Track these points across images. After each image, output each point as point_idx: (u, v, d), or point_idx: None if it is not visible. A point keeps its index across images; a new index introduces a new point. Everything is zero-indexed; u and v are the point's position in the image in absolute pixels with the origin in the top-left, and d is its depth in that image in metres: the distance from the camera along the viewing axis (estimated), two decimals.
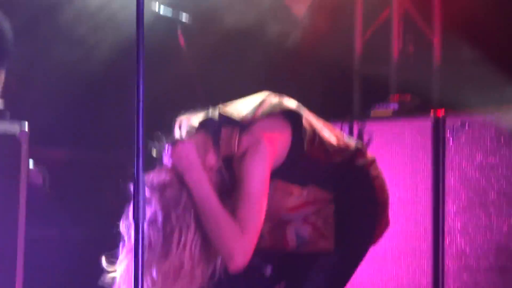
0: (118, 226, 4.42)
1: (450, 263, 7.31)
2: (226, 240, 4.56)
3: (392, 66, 9.24)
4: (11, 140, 6.90)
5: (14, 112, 6.99)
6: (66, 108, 8.43)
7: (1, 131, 6.81)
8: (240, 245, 4.56)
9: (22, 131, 6.92)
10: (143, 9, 4.04)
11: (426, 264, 7.44)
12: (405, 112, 7.93)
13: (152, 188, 4.58)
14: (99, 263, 4.41)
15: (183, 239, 4.60)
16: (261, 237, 4.72)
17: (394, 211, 7.16)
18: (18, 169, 6.91)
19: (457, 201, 7.31)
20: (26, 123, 6.93)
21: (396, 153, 7.72)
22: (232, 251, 4.55)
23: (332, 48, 9.19)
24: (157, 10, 7.59)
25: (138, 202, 4.05)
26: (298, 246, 4.89)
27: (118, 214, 4.50)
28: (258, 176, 4.64)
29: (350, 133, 7.96)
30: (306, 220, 4.87)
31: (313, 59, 9.26)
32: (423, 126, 7.52)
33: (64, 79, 8.43)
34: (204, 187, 4.58)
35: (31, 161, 7.07)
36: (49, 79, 8.47)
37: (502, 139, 7.05)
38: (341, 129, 7.92)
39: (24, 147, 6.94)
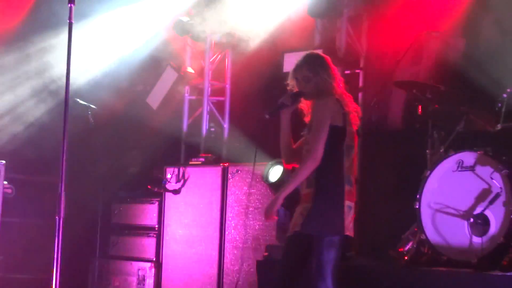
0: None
1: (228, 245, 7.86)
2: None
3: (202, 139, 9.43)
4: None
5: None
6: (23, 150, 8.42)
7: None
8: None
9: (1, 164, 7.39)
10: (68, 99, 4.70)
11: (215, 245, 7.91)
12: (207, 163, 8.42)
13: None
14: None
15: None
16: None
17: (199, 218, 7.99)
18: None
19: (231, 211, 7.91)
20: (3, 161, 7.41)
21: (202, 186, 8.18)
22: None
23: (172, 127, 9.47)
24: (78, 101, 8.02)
25: (60, 199, 4.54)
26: None
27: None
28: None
29: (178, 173, 8.27)
30: None
31: (161, 133, 9.33)
32: (217, 171, 8.08)
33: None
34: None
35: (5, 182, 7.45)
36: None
37: (257, 179, 7.61)
38: (173, 171, 8.29)
39: (2, 173, 7.40)
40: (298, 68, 5.51)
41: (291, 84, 5.53)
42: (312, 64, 5.46)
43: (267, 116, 5.40)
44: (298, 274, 5.29)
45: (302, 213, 5.27)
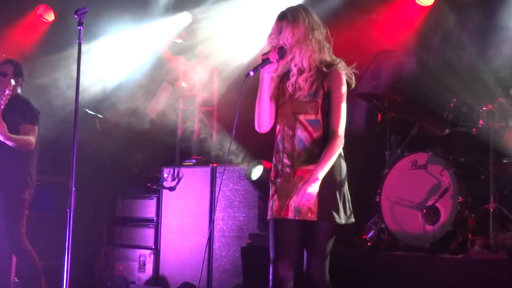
0: None
1: (216, 234, 7.67)
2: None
3: (194, 143, 9.31)
4: None
5: None
6: None
7: None
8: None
9: None
10: (78, 110, 4.62)
11: (206, 234, 7.70)
12: (199, 163, 8.22)
13: None
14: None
15: None
16: None
17: (192, 211, 7.80)
18: None
19: (219, 205, 7.69)
20: None
21: (194, 184, 8.00)
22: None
23: (168, 133, 9.30)
24: (88, 111, 7.96)
25: (71, 195, 4.46)
26: None
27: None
28: None
29: (173, 173, 8.12)
30: None
31: (159, 139, 9.14)
32: (206, 170, 7.91)
33: None
34: None
35: None
36: None
37: (241, 177, 7.47)
38: (169, 171, 8.11)
39: None
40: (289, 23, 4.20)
41: (272, 43, 4.24)
42: (304, 18, 4.23)
43: (251, 74, 4.15)
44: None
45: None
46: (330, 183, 4.07)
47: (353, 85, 4.22)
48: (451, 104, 6.88)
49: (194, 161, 8.44)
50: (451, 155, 6.62)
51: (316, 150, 4.11)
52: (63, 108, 8.03)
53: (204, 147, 9.06)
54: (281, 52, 4.21)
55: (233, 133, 4.37)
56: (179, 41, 9.28)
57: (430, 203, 6.45)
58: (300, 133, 4.16)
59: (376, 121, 7.45)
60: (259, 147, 7.10)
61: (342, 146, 4.11)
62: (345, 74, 4.19)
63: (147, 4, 8.90)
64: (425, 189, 6.53)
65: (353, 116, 8.44)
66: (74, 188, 4.44)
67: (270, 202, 4.22)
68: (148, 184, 8.31)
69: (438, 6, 7.86)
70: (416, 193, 6.57)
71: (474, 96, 6.80)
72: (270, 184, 4.25)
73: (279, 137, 4.25)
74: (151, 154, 9.14)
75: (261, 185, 7.12)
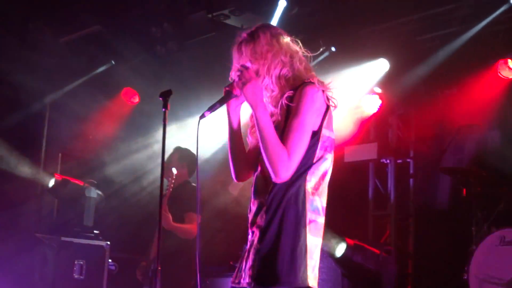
0: None
1: None
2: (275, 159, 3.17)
3: None
4: (101, 249, 7.23)
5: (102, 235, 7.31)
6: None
7: (98, 244, 7.17)
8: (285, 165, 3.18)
9: (106, 244, 7.22)
10: (162, 190, 4.49)
11: None
12: None
13: None
14: None
15: None
16: None
17: None
18: (103, 263, 7.23)
19: None
20: (108, 242, 7.25)
21: None
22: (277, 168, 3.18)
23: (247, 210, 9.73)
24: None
25: (156, 275, 4.27)
26: None
27: None
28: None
29: None
30: None
31: (240, 217, 9.32)
32: None
33: None
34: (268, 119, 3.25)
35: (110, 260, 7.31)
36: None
37: (323, 255, 6.82)
38: None
39: (107, 253, 7.22)
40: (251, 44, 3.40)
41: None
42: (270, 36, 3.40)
43: (206, 114, 3.45)
44: None
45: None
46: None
47: (336, 107, 3.33)
48: None
49: None
50: None
51: (268, 198, 3.35)
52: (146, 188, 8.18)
53: None
54: None
55: (198, 186, 3.66)
56: None
57: None
58: (258, 173, 3.38)
59: (461, 196, 7.35)
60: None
61: (289, 171, 3.21)
62: (321, 90, 3.26)
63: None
64: None
65: (437, 191, 8.41)
66: (159, 268, 4.28)
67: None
68: (231, 262, 8.17)
69: None
70: (505, 270, 6.44)
71: None
72: None
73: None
74: (233, 231, 8.89)
75: (345, 262, 7.08)
